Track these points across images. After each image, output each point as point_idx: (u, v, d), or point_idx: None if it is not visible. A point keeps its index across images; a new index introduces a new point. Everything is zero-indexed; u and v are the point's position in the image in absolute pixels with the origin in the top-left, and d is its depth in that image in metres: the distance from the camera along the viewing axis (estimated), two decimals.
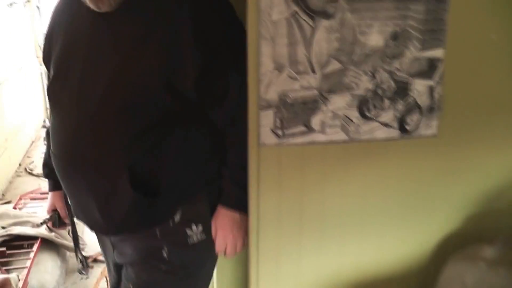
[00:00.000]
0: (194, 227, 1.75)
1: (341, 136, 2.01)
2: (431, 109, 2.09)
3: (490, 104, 2.17)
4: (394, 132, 2.07)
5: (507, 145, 2.21)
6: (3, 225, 3.83)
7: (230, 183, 1.76)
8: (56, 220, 2.24)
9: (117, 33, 1.61)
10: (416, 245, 2.22)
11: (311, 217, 2.06)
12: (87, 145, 1.58)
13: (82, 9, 1.58)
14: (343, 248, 2.14)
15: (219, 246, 1.76)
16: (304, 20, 1.87)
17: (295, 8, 1.84)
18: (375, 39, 1.96)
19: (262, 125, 1.90)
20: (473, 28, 2.06)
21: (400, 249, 2.21)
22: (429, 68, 2.05)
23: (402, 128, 2.06)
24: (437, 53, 2.05)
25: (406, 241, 2.20)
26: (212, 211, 1.81)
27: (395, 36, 1.99)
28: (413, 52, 2.02)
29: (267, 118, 1.90)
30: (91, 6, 1.54)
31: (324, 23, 1.89)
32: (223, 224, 1.76)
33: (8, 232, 3.71)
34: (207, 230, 1.77)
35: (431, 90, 2.08)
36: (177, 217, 1.72)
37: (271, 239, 2.07)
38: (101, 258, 3.44)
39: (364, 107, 2.02)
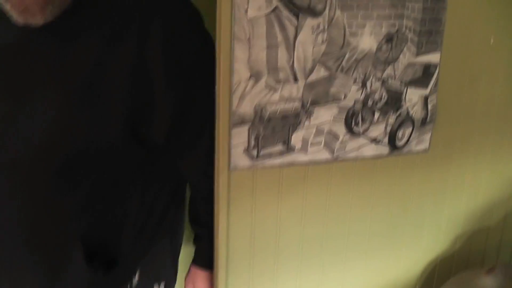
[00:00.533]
0: (156, 287, 1.41)
1: (325, 154, 1.69)
2: (424, 122, 1.81)
3: (484, 115, 1.98)
4: (384, 149, 1.77)
5: (498, 160, 1.99)
6: None
7: (208, 243, 1.41)
8: None
9: (58, 59, 1.14)
10: (404, 270, 2.00)
11: (288, 247, 1.76)
12: (18, 221, 1.15)
13: (5, 24, 1.10)
14: (324, 278, 1.85)
15: None
16: (287, 18, 1.51)
17: (276, 2, 1.47)
18: (367, 41, 1.64)
19: (234, 145, 1.55)
20: (470, 30, 1.80)
21: (386, 274, 1.97)
22: (424, 75, 1.76)
23: (393, 144, 1.77)
24: (433, 57, 1.77)
25: (392, 266, 1.96)
26: (174, 260, 1.46)
27: (389, 38, 1.67)
28: (408, 57, 1.72)
29: (240, 137, 1.54)
30: (17, 19, 1.08)
31: (310, 21, 1.55)
32: (203, 286, 1.43)
33: None
34: (170, 284, 1.43)
35: (425, 100, 1.79)
36: (135, 279, 1.34)
37: (243, 275, 1.75)
38: None
39: (352, 120, 1.70)
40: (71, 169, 1.18)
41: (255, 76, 1.56)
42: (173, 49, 1.39)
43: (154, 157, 1.50)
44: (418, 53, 1.75)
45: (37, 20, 1.07)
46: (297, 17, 1.56)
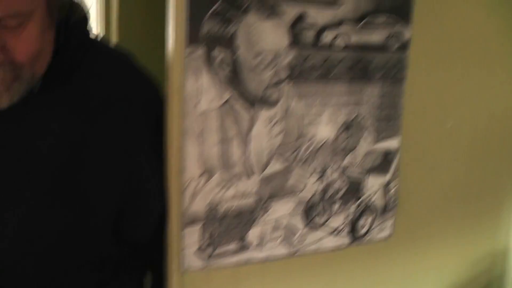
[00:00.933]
0: None
1: (283, 250, 1.57)
2: (385, 209, 1.72)
3: (446, 199, 1.93)
4: (345, 239, 1.67)
5: (461, 243, 1.92)
6: None
7: None
8: None
9: (29, 147, 0.97)
10: None
11: None
12: None
13: None
14: None
15: None
16: (240, 111, 1.40)
17: (229, 94, 1.37)
18: (325, 130, 1.55)
19: (186, 245, 1.40)
20: (428, 114, 1.74)
21: None
22: (384, 162, 1.69)
23: (354, 234, 1.67)
24: (392, 143, 1.70)
25: None
26: None
27: (348, 126, 1.59)
28: (367, 144, 1.64)
29: (192, 236, 1.41)
30: None
31: (264, 113, 1.45)
32: None
33: None
34: None
35: (386, 186, 1.71)
36: None
37: None
38: None
39: (311, 212, 1.59)
40: (46, 269, 1.04)
41: (208, 172, 1.44)
42: (155, 135, 1.31)
43: (133, 255, 1.38)
44: (377, 140, 1.68)
45: (2, 102, 0.92)
46: (251, 109, 1.46)
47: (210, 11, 1.38)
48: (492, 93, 1.89)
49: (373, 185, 1.70)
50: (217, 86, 1.42)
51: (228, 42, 1.40)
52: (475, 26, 1.80)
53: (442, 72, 1.75)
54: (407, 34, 1.67)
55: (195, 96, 1.41)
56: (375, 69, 1.63)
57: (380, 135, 1.68)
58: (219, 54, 1.39)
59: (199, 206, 1.48)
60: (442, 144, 1.80)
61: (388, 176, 1.72)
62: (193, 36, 1.37)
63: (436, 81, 1.76)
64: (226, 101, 1.44)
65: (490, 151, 1.92)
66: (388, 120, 1.69)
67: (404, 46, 1.68)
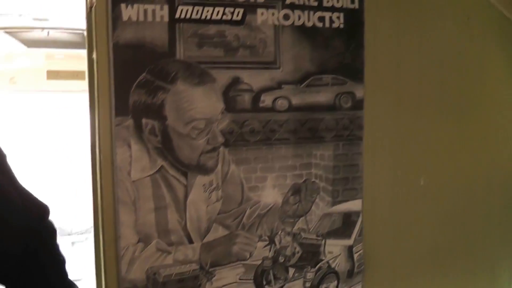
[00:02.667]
0: None
1: None
2: (351, 273, 1.62)
3: (421, 260, 1.82)
4: None
5: None
6: None
7: None
8: None
9: None
10: None
11: None
12: None
13: None
14: None
15: None
16: (174, 177, 1.40)
17: (161, 162, 1.37)
18: (270, 195, 1.51)
19: None
20: (395, 172, 1.64)
21: None
22: (345, 225, 1.61)
23: None
24: (354, 205, 1.62)
25: None
26: None
27: (297, 190, 1.54)
28: (322, 207, 1.57)
29: None
30: None
31: (200, 179, 1.43)
32: None
33: None
34: None
35: (349, 250, 1.62)
36: None
37: None
38: None
39: (262, 279, 1.53)
40: None
41: (144, 240, 1.45)
42: None
43: None
44: (334, 202, 1.61)
45: None
46: (186, 176, 1.46)
47: (136, 82, 1.41)
48: (470, 145, 1.77)
49: (333, 249, 1.62)
50: (148, 155, 1.44)
51: (157, 112, 1.42)
52: (440, 72, 1.72)
53: (406, 125, 1.67)
54: (359, 92, 1.61)
55: (127, 165, 1.43)
56: (325, 130, 1.59)
57: (337, 198, 1.62)
58: (148, 123, 1.41)
59: (137, 273, 1.48)
60: (414, 204, 1.70)
61: (351, 240, 1.64)
62: (120, 106, 1.41)
63: (399, 135, 1.68)
64: (159, 169, 1.45)
65: (472, 209, 1.79)
66: (346, 182, 1.63)
67: (357, 105, 1.63)
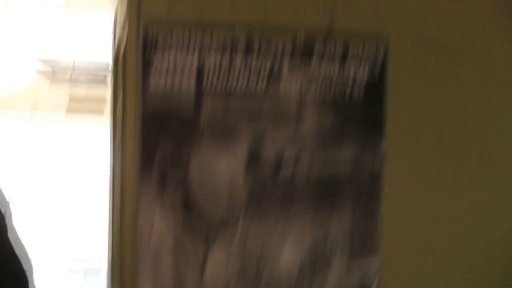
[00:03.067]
0: None
1: None
2: None
3: None
4: None
5: None
6: None
7: None
8: None
9: None
10: None
11: None
12: None
13: None
14: None
15: None
16: (195, 237, 1.44)
17: (184, 220, 1.42)
18: (287, 262, 1.53)
19: None
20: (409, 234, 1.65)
21: None
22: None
23: None
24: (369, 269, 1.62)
25: None
26: None
27: (313, 260, 1.57)
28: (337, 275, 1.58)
29: None
30: None
31: (220, 241, 1.46)
32: None
33: None
34: None
35: None
36: None
37: None
38: None
39: None
40: None
41: None
42: None
43: None
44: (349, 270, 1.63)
45: None
46: (206, 236, 1.50)
47: (162, 146, 1.46)
48: (489, 212, 1.77)
49: None
50: (172, 212, 1.47)
51: (181, 172, 1.46)
52: (460, 140, 1.73)
53: (424, 196, 1.68)
54: (381, 146, 1.63)
55: (148, 227, 1.46)
56: (343, 199, 1.60)
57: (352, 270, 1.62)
58: (172, 183, 1.45)
59: None
60: (433, 272, 1.70)
61: None
62: (146, 166, 1.45)
63: (418, 205, 1.69)
64: (181, 227, 1.48)
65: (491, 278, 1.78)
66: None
67: (378, 160, 1.64)
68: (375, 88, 1.59)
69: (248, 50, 1.48)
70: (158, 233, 1.41)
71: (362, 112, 1.58)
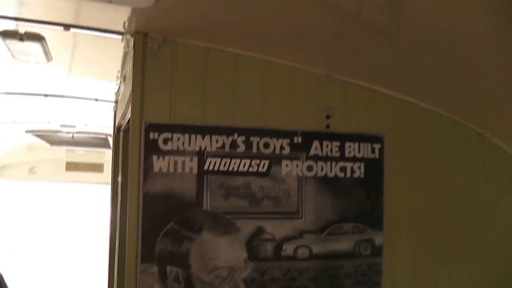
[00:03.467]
0: None
1: None
2: None
3: None
4: None
5: None
6: None
7: None
8: None
9: None
10: None
11: None
12: None
13: None
14: None
15: None
16: None
17: None
18: None
19: None
20: None
21: None
22: None
23: None
24: None
25: None
26: None
27: None
28: None
29: None
30: None
31: None
32: None
33: None
34: None
35: None
36: None
37: None
38: None
39: None
40: None
41: None
42: None
43: None
44: None
45: None
46: None
47: (163, 231, 1.47)
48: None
49: None
50: None
51: (182, 260, 1.46)
52: (457, 217, 1.76)
53: (424, 272, 1.70)
54: (378, 239, 1.65)
55: None
56: (345, 276, 1.61)
57: None
58: (172, 271, 1.45)
59: None
60: None
61: None
62: (146, 254, 1.45)
63: (417, 283, 1.70)
64: None
65: None
66: None
67: (376, 252, 1.66)
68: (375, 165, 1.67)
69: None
70: None
71: (362, 190, 1.65)
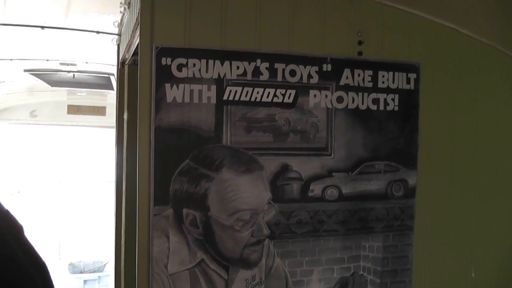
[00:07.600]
0: None
1: None
2: None
3: None
4: None
5: None
6: None
7: None
8: None
9: None
10: None
11: None
12: None
13: None
14: None
15: None
16: (215, 272, 1.29)
17: (202, 255, 1.27)
18: None
19: None
20: (445, 265, 1.52)
21: None
22: None
23: None
24: None
25: None
26: None
27: (344, 283, 1.42)
28: None
29: None
30: None
31: (242, 273, 1.32)
32: None
33: None
34: None
35: None
36: None
37: None
38: None
39: None
40: None
41: None
42: None
43: None
44: None
45: None
46: (227, 270, 1.34)
47: (178, 169, 1.32)
48: None
49: None
50: (188, 247, 1.33)
51: (199, 201, 1.32)
52: (496, 155, 1.61)
53: (458, 214, 1.56)
54: (411, 180, 1.50)
55: (164, 257, 1.32)
56: (376, 220, 1.47)
57: None
58: (189, 214, 1.31)
59: None
60: None
61: None
62: (160, 195, 1.31)
63: (452, 224, 1.56)
64: (199, 263, 1.34)
65: None
66: (395, 275, 1.50)
67: (409, 193, 1.51)
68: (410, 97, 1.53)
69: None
70: (173, 274, 1.27)
71: (395, 125, 1.50)
